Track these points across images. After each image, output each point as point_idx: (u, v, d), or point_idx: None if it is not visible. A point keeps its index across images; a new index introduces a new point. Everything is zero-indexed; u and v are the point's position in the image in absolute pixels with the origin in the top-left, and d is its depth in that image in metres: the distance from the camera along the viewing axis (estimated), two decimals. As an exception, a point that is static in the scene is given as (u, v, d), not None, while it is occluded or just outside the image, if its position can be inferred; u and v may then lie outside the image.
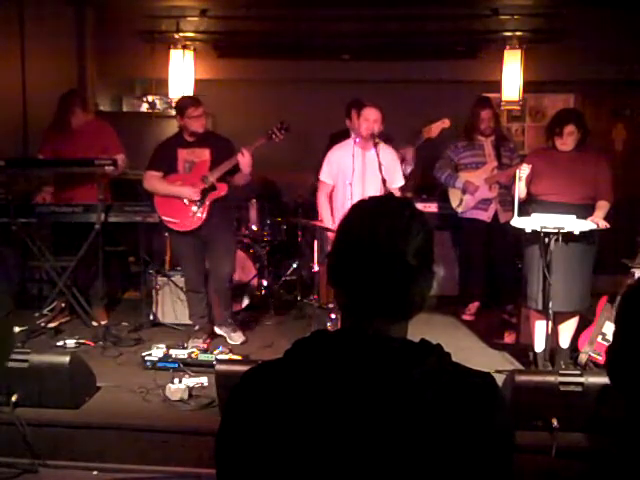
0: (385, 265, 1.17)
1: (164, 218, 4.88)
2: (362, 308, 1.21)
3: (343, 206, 4.77)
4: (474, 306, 5.87)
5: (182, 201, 4.81)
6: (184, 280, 5.22)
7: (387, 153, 4.81)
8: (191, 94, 7.09)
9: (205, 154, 4.82)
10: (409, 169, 5.61)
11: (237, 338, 5.06)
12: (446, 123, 5.55)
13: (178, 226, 4.86)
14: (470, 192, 5.67)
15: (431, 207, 6.31)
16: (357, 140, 4.83)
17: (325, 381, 1.15)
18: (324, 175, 4.93)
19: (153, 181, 4.86)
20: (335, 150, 4.94)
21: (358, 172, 4.77)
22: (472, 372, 1.21)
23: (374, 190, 4.57)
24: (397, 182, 4.91)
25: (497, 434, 1.16)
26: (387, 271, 1.17)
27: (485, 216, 5.69)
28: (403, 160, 5.54)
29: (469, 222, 5.78)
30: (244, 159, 4.69)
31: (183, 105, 4.84)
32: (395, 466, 1.11)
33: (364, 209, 1.26)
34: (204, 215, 4.79)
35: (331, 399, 1.14)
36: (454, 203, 5.83)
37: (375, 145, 4.68)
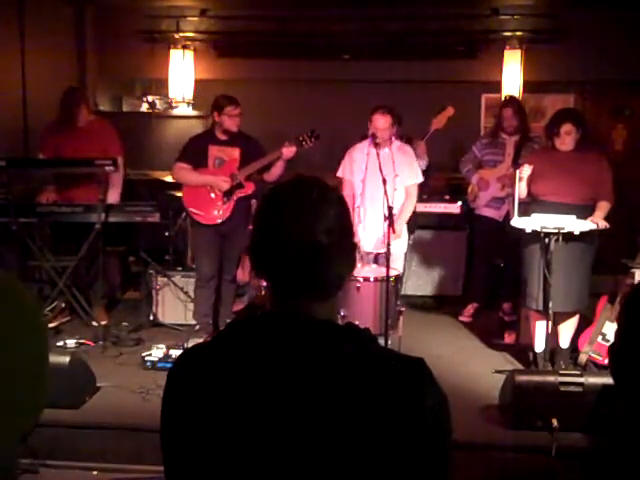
0: (295, 247, 1.21)
1: (190, 209, 4.99)
2: (284, 289, 1.25)
3: (355, 202, 4.82)
4: (472, 307, 5.85)
5: (209, 195, 4.91)
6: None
7: (402, 153, 4.84)
8: (191, 94, 7.15)
9: (235, 153, 4.93)
10: (424, 164, 5.62)
11: None
12: (450, 111, 5.61)
13: (202, 218, 4.95)
14: (480, 189, 5.69)
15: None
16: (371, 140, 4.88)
17: (248, 362, 1.19)
18: (341, 172, 4.97)
19: (183, 172, 4.96)
20: (353, 148, 5.01)
21: (372, 170, 4.78)
22: (399, 356, 1.24)
23: (389, 187, 4.57)
24: (412, 179, 4.90)
25: (424, 418, 1.15)
26: (298, 252, 1.21)
27: (497, 215, 5.67)
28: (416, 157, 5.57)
29: (479, 219, 5.79)
30: (289, 151, 4.82)
31: (222, 103, 4.91)
32: (319, 449, 1.13)
33: (272, 198, 1.29)
34: (228, 212, 4.90)
35: (254, 380, 1.18)
36: (470, 198, 5.86)
37: (390, 145, 4.75)
